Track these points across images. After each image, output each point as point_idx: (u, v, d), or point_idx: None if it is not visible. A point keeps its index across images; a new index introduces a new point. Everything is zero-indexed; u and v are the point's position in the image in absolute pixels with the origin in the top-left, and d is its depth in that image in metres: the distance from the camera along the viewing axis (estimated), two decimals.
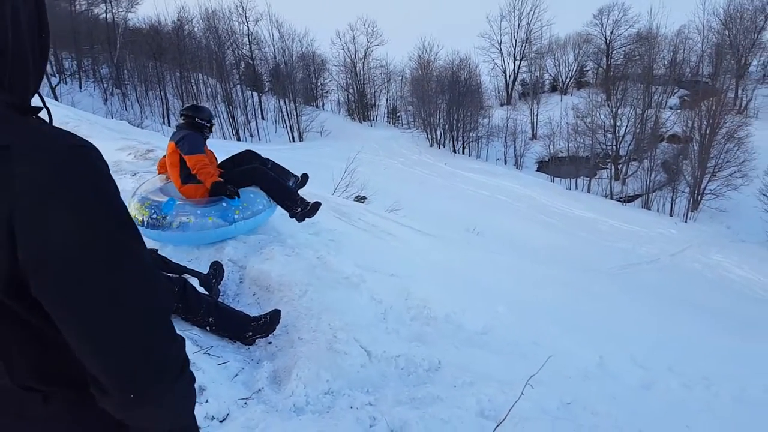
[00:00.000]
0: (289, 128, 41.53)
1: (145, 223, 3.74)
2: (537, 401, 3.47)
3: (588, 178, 30.61)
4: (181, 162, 4.01)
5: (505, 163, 35.71)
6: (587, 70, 44.91)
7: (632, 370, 5.55)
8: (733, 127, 26.24)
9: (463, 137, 37.65)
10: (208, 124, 4.32)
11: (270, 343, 3.28)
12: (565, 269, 11.92)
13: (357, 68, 46.93)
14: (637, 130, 30.35)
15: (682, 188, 26.55)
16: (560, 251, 17.04)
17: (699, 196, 26.07)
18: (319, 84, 49.28)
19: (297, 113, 41.32)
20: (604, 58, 42.14)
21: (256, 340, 3.27)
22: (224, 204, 3.97)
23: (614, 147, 30.96)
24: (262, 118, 43.85)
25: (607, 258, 19.05)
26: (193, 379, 0.83)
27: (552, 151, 33.62)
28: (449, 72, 39.21)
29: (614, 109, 30.68)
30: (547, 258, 13.96)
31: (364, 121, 46.51)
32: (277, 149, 35.86)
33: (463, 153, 37.61)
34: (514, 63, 46.19)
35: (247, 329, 3.23)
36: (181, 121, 4.26)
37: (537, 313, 5.99)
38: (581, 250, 18.82)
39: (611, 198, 28.92)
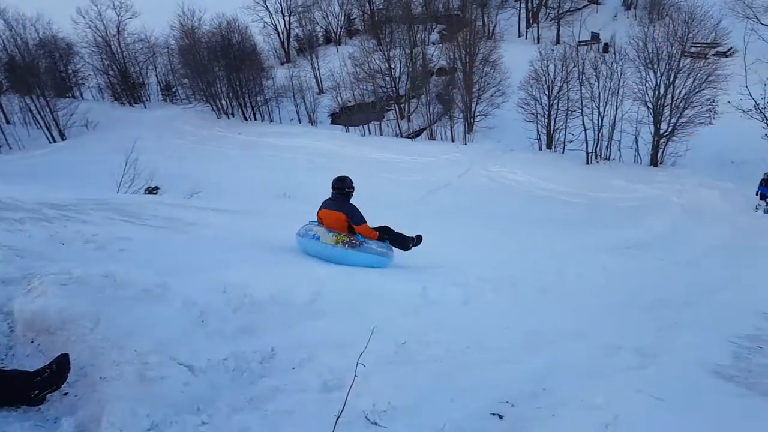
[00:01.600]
0: (45, 128, 35.60)
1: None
2: (376, 351, 3.52)
3: (378, 122, 32.12)
4: (349, 225, 6.45)
5: (300, 122, 35.59)
6: (354, 18, 46.24)
7: (452, 290, 6.03)
8: (486, 52, 29.53)
9: (251, 103, 36.33)
10: (352, 190, 6.68)
11: (66, 394, 2.74)
12: (374, 211, 12.45)
13: (112, 46, 41.74)
14: (410, 69, 32.46)
15: (457, 115, 29.42)
16: (367, 195, 17.72)
17: (472, 120, 29.19)
18: (70, 71, 42.83)
19: (51, 109, 35.53)
20: (368, 5, 43.69)
21: (46, 395, 2.72)
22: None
23: (394, 88, 32.77)
24: (7, 122, 36.97)
25: (409, 191, 20.44)
26: None
27: (341, 102, 34.36)
28: (218, 37, 37.01)
29: (386, 53, 32.24)
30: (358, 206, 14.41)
31: (136, 103, 42.09)
32: (31, 155, 30.65)
33: (255, 119, 36.45)
34: (284, 19, 45.46)
35: (31, 387, 2.65)
36: (335, 192, 6.60)
37: (356, 269, 6.13)
38: (386, 190, 19.83)
39: (401, 136, 30.86)
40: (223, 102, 36.71)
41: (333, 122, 35.18)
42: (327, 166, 24.37)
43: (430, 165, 25.01)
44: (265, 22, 44.94)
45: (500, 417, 3.06)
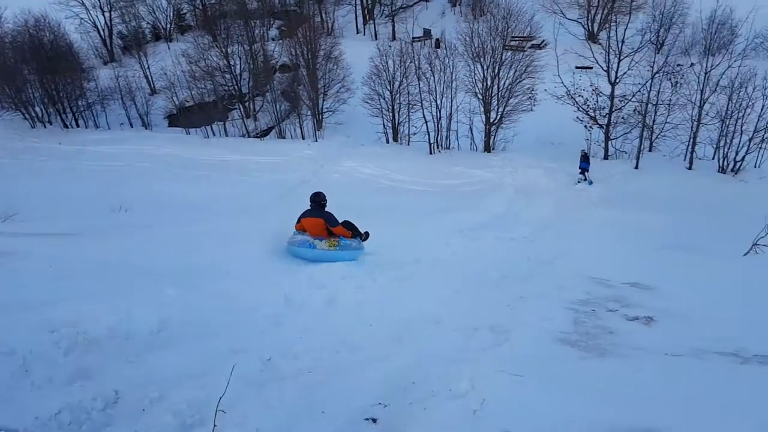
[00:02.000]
0: None
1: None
2: (240, 374, 3.28)
3: (222, 123, 30.65)
4: (327, 228, 8.03)
5: (132, 126, 32.59)
6: (185, 13, 43.44)
7: (315, 293, 5.91)
8: (328, 48, 29.65)
9: (71, 108, 32.34)
10: (326, 201, 8.37)
11: None
12: (227, 218, 11.83)
13: None
14: (251, 66, 31.42)
15: (305, 112, 29.21)
16: (219, 202, 16.85)
17: (320, 116, 29.19)
18: None
19: None
20: None
21: None
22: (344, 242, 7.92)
23: (236, 86, 31.48)
24: None
25: (264, 192, 19.83)
26: None
27: (177, 103, 32.10)
28: (26, 36, 32.31)
29: (224, 49, 30.80)
30: (209, 214, 13.59)
31: None
32: None
33: (78, 126, 32.56)
34: (104, 15, 41.16)
35: None
36: (313, 204, 8.28)
37: (208, 276, 5.71)
38: (239, 192, 19.04)
39: (249, 136, 29.81)
40: (38, 109, 32.21)
41: (171, 125, 32.73)
42: (169, 173, 22.73)
43: (284, 164, 24.51)
44: (82, 18, 40.25)
45: (374, 421, 3.03)
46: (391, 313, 5.42)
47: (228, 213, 13.95)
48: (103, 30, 41.27)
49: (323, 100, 29.25)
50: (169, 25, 42.60)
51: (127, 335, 3.86)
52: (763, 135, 18.18)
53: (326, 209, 8.36)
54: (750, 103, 18.43)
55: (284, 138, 29.06)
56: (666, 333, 4.57)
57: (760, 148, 18.43)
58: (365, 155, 24.22)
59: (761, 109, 18.19)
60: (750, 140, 18.32)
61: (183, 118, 31.59)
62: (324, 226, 8.03)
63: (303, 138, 28.46)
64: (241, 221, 10.32)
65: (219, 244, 7.28)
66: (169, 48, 38.21)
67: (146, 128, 32.09)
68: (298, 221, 8.26)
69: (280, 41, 34.11)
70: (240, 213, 13.90)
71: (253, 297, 5.16)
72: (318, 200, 8.30)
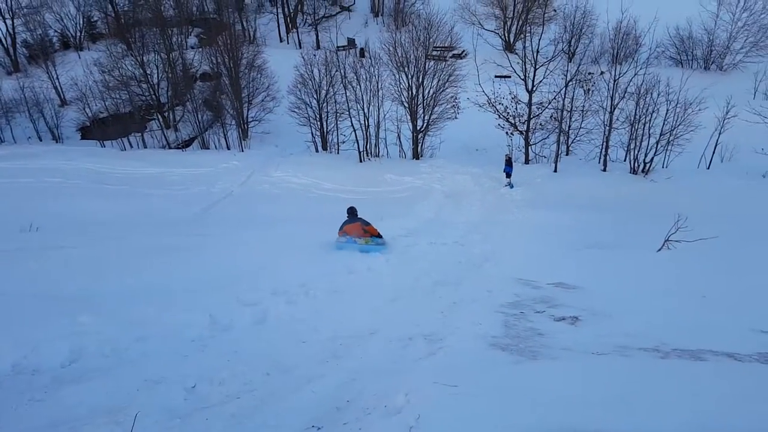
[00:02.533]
0: None
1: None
2: (160, 405, 3.04)
3: (140, 134, 29.19)
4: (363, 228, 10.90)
5: (41, 140, 30.34)
6: (96, 21, 41.11)
7: (243, 311, 5.66)
8: (250, 57, 29.01)
9: None
10: (357, 212, 11.66)
11: None
12: (147, 235, 11.20)
13: None
14: (170, 75, 30.19)
15: (230, 122, 28.39)
16: (138, 218, 15.96)
17: (245, 125, 28.47)
18: None
19: None
20: (110, 6, 39.27)
21: None
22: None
23: (154, 96, 30.11)
24: None
25: (186, 206, 19.02)
26: None
27: (91, 114, 30.23)
28: None
29: (139, 58, 29.39)
30: (127, 231, 12.80)
31: None
32: None
33: None
34: (6, 23, 38.14)
35: None
36: (350, 215, 11.50)
37: (125, 300, 5.32)
38: (159, 207, 18.15)
39: (170, 148, 28.56)
40: None
41: (84, 138, 30.75)
42: (83, 188, 21.31)
43: (208, 175, 23.62)
44: None
45: None
46: (325, 327, 5.28)
47: (147, 229, 13.21)
48: (6, 38, 38.26)
49: (248, 110, 28.57)
50: (78, 34, 40.14)
51: (33, 370, 3.50)
52: (669, 137, 19.61)
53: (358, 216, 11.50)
54: (655, 108, 19.84)
55: (208, 149, 28.08)
56: (591, 332, 4.74)
57: (667, 149, 19.86)
58: (294, 164, 23.85)
59: (665, 114, 19.62)
60: (657, 142, 19.70)
61: (97, 130, 29.76)
62: (360, 227, 10.95)
63: (228, 148, 27.63)
64: (163, 238, 9.80)
65: (137, 264, 6.85)
66: (79, 57, 35.99)
67: (57, 142, 30.00)
68: (341, 228, 11.12)
69: (200, 49, 33.02)
70: (160, 228, 13.20)
71: (174, 319, 4.84)
72: (353, 212, 11.65)
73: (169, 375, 3.58)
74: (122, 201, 18.83)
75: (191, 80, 30.79)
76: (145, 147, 28.79)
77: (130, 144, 28.82)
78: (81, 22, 39.98)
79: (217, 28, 32.25)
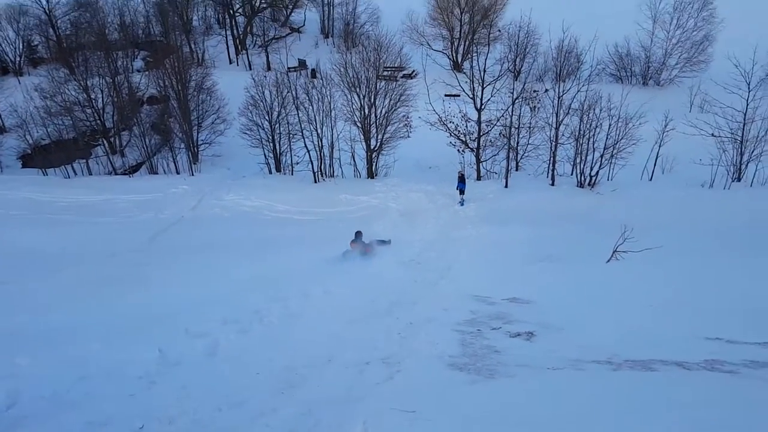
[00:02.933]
0: None
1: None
2: None
3: (84, 160, 28.10)
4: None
5: None
6: (37, 45, 39.62)
7: (194, 344, 5.46)
8: (199, 79, 28.51)
9: None
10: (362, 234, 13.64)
11: None
12: (93, 266, 10.73)
13: None
14: (115, 99, 29.31)
15: (179, 145, 27.73)
16: (82, 248, 15.28)
17: (195, 149, 27.88)
18: None
19: None
20: (51, 30, 37.97)
21: None
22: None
23: (99, 121, 29.13)
24: None
25: (134, 234, 18.40)
26: None
27: (32, 142, 28.92)
28: None
29: (83, 82, 28.42)
30: (70, 263, 12.21)
31: None
32: None
33: None
34: None
35: None
36: (357, 236, 13.59)
37: (66, 338, 5.04)
38: (105, 236, 17.47)
39: (116, 174, 27.60)
40: None
41: (25, 166, 29.29)
42: (25, 219, 20.31)
43: (157, 201, 22.90)
44: None
45: None
46: (280, 356, 5.15)
47: (91, 260, 12.64)
48: None
49: (198, 132, 28.01)
50: (18, 58, 38.57)
51: None
52: (612, 151, 20.41)
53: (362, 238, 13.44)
54: (599, 123, 20.65)
55: (157, 173, 27.30)
56: (546, 346, 4.81)
57: (611, 163, 20.65)
58: (247, 187, 23.47)
59: (608, 128, 20.44)
60: (602, 156, 20.46)
61: (39, 158, 28.46)
62: (361, 246, 13.03)
63: (178, 172, 26.93)
64: (106, 268, 9.41)
65: (79, 297, 6.53)
66: (19, 82, 34.55)
67: None
68: (351, 242, 13.27)
69: (147, 72, 32.28)
70: (105, 258, 12.67)
71: (119, 356, 4.62)
72: (359, 234, 13.49)
73: (114, 416, 3.40)
74: (65, 231, 18.04)
75: (138, 104, 29.98)
76: (90, 174, 27.74)
77: (75, 171, 27.70)
78: (21, 47, 38.45)
79: (164, 51, 31.64)
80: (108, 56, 29.67)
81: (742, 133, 19.81)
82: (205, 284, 9.50)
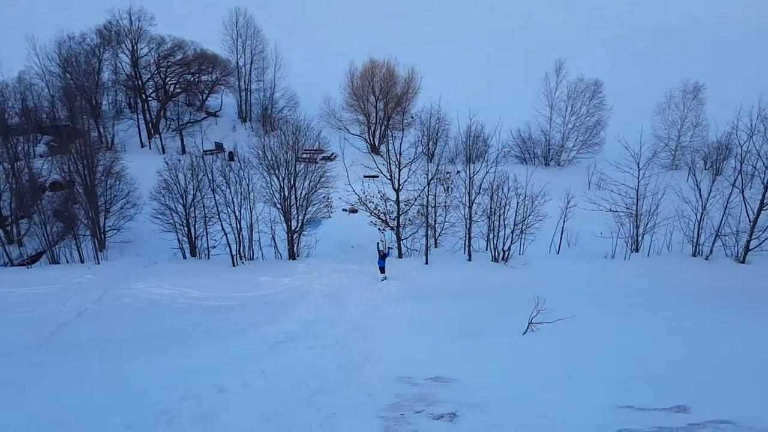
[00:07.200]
0: None
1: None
2: None
3: None
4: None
5: None
6: None
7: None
8: (107, 163, 27.47)
9: None
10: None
11: None
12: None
13: None
14: (14, 185, 27.47)
15: (84, 232, 26.10)
16: None
17: (102, 235, 26.35)
18: None
19: None
20: None
21: None
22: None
23: None
24: None
25: (29, 330, 16.72)
26: None
27: None
28: None
29: None
30: None
31: None
32: None
33: None
34: None
35: None
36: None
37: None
38: (1, 334, 15.73)
39: (12, 265, 25.33)
40: None
41: None
42: None
43: (57, 293, 21.01)
44: None
45: None
46: None
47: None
48: None
49: (105, 218, 26.60)
50: None
51: None
52: (522, 227, 21.61)
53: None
54: (507, 201, 21.96)
55: (58, 263, 25.33)
56: (468, 427, 4.75)
57: (521, 238, 21.80)
58: (159, 274, 22.22)
59: (516, 206, 21.75)
60: (512, 232, 21.58)
61: None
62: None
63: (82, 261, 25.14)
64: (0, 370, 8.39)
65: None
66: None
67: None
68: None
69: (50, 157, 30.74)
70: (1, 359, 11.33)
71: None
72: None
73: None
74: None
75: (39, 190, 28.23)
76: None
77: None
78: None
79: (70, 136, 30.44)
80: (7, 141, 28.14)
81: (636, 208, 21.74)
82: (108, 382, 8.65)
